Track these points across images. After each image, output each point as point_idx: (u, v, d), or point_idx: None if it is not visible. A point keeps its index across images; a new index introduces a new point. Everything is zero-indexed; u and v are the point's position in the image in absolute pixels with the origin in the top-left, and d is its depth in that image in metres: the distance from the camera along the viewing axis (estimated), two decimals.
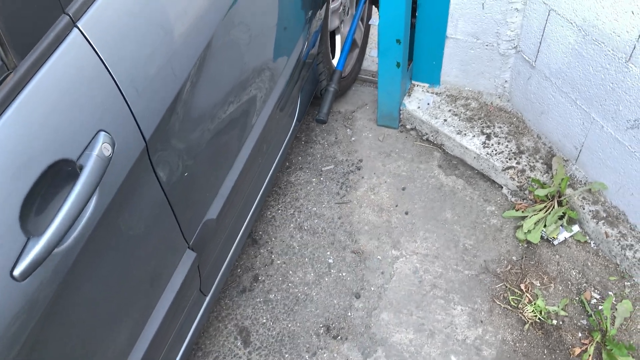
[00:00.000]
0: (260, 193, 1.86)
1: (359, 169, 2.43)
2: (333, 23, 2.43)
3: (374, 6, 2.72)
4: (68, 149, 0.96)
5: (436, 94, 2.53)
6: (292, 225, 2.24)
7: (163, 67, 1.15)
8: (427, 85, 2.56)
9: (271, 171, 1.91)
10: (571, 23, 1.88)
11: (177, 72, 1.19)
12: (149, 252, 1.23)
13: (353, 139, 2.58)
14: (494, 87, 2.43)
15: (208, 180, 1.41)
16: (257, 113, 1.65)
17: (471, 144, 2.31)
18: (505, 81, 2.38)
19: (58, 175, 0.95)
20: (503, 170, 2.22)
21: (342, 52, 2.33)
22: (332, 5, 2.33)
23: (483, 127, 2.37)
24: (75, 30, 1.00)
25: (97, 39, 1.02)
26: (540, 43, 2.08)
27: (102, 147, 1.00)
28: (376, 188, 2.35)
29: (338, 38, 2.55)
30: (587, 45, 1.86)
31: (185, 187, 1.29)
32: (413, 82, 2.58)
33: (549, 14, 1.98)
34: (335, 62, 2.55)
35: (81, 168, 0.97)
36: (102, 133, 1.01)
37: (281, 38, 1.80)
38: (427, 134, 2.49)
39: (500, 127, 2.36)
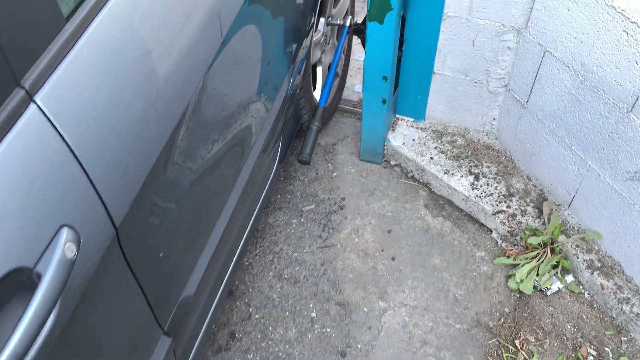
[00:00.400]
0: (240, 248, 1.71)
1: (342, 209, 2.30)
2: (315, 55, 2.29)
3: (355, 36, 2.59)
4: (23, 254, 0.79)
5: (421, 129, 2.42)
6: (271, 273, 2.09)
7: (137, 139, 0.99)
8: (411, 119, 2.45)
9: (251, 223, 1.76)
10: (568, 67, 1.80)
11: (153, 143, 1.03)
12: (120, 347, 1.06)
13: (335, 174, 2.44)
14: (482, 124, 2.34)
15: (185, 255, 1.25)
16: (239, 172, 1.50)
17: (459, 184, 2.21)
18: (494, 119, 2.29)
19: (11, 289, 0.78)
20: (493, 214, 2.13)
21: (324, 87, 2.19)
22: (315, 38, 2.19)
23: (471, 166, 2.27)
24: (32, 106, 0.83)
25: (58, 116, 0.85)
26: (533, 84, 2.00)
27: (65, 247, 0.83)
28: (360, 230, 2.22)
29: (319, 70, 2.41)
30: (585, 91, 1.77)
31: (160, 270, 1.13)
32: (397, 115, 2.47)
33: (544, 55, 1.89)
34: (317, 94, 2.41)
35: (40, 277, 0.80)
36: (65, 229, 0.84)
37: (266, 80, 1.65)
38: (412, 172, 2.37)
39: (488, 167, 2.26)
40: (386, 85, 2.12)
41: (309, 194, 2.35)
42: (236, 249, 1.66)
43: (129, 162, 0.98)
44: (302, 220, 2.25)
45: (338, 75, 2.60)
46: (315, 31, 2.22)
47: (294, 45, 1.85)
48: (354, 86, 2.80)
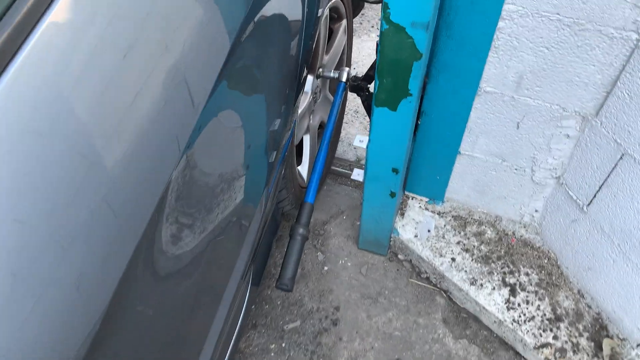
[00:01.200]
0: None
1: (335, 324, 1.77)
2: (301, 125, 1.72)
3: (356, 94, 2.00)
4: None
5: (439, 214, 1.87)
6: None
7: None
8: (426, 199, 1.90)
9: None
10: None
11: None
12: None
13: (326, 268, 1.91)
14: (519, 214, 1.79)
15: None
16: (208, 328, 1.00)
17: (490, 302, 1.68)
18: (536, 210, 1.75)
19: None
20: (535, 348, 1.61)
21: (312, 179, 1.61)
22: (301, 108, 1.62)
23: (505, 272, 1.73)
24: None
25: None
26: (600, 188, 1.45)
27: None
28: (360, 359, 1.70)
29: (306, 138, 1.84)
30: None
31: None
32: (407, 193, 1.92)
33: (621, 158, 1.34)
34: (302, 168, 1.85)
35: None
36: None
37: (245, 194, 1.11)
38: (427, 273, 1.84)
39: (527, 275, 1.73)
40: (397, 178, 1.56)
41: (293, 301, 1.82)
42: None
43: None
44: (284, 345, 1.73)
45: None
46: (302, 94, 1.64)
47: (273, 152, 1.28)
48: (352, 138, 2.24)
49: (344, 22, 1.94)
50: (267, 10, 1.09)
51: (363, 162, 2.07)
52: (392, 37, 1.18)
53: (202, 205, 0.91)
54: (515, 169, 1.63)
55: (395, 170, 1.53)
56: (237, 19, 0.98)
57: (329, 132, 1.68)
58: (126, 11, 0.72)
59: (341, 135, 2.25)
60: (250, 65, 1.04)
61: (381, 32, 1.19)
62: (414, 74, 1.24)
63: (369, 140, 1.47)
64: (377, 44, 1.53)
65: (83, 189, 0.64)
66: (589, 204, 1.51)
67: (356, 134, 2.23)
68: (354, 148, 2.23)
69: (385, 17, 1.14)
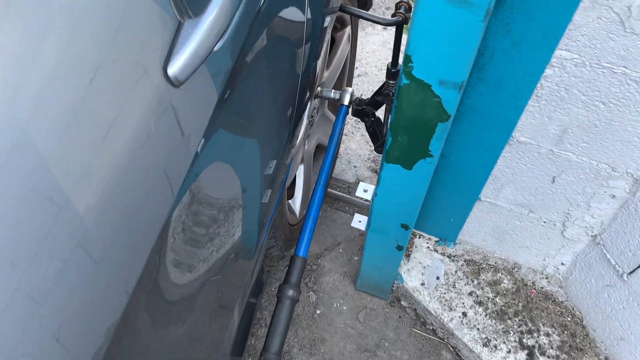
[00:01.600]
0: None
1: None
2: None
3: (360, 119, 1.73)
4: None
5: (450, 257, 1.65)
6: None
7: None
8: (435, 239, 1.67)
9: None
10: None
11: None
12: None
13: (318, 312, 1.69)
14: (541, 265, 1.57)
15: None
16: None
17: None
18: (562, 263, 1.52)
19: None
20: None
21: (304, 227, 1.35)
22: (297, 142, 1.36)
23: (523, 331, 1.52)
24: None
25: None
26: None
27: None
28: None
29: (301, 169, 1.59)
30: None
31: None
32: (414, 230, 1.68)
33: None
34: (294, 202, 1.61)
35: None
36: None
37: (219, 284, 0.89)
38: (433, 325, 1.63)
39: (548, 335, 1.52)
40: (406, 234, 1.32)
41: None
42: None
43: None
44: None
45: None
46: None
47: (263, 221, 1.04)
48: (351, 155, 1.98)
49: (348, 29, 1.66)
50: (261, 44, 0.83)
51: (364, 184, 1.83)
52: (413, 95, 0.92)
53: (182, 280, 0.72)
54: (544, 222, 1.40)
55: (405, 227, 1.29)
56: (234, 49, 0.73)
57: (327, 170, 1.43)
58: (89, 27, 0.49)
59: (340, 150, 2.00)
60: (244, 106, 0.81)
61: (399, 86, 0.92)
62: (437, 135, 0.99)
63: (375, 194, 1.23)
64: (387, 69, 1.27)
65: (52, 236, 0.50)
66: (630, 273, 1.29)
67: (355, 156, 1.97)
68: (354, 167, 1.98)
69: (407, 72, 0.88)
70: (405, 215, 1.26)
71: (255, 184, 0.98)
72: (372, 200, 1.27)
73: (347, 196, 1.89)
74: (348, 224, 1.86)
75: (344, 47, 1.65)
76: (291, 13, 0.95)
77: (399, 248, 1.39)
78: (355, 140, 2.05)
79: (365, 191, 1.32)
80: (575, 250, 1.44)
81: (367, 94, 2.21)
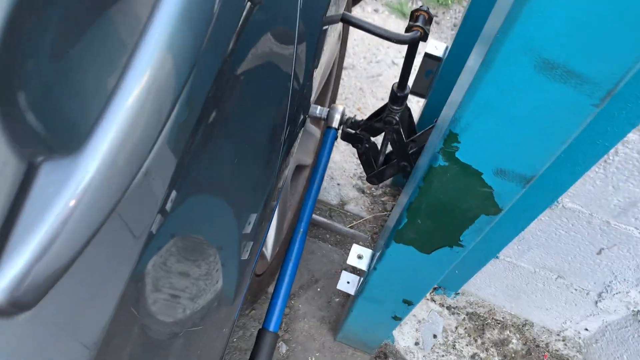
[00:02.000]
0: None
1: None
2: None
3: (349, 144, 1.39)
4: None
5: (450, 309, 1.38)
6: None
7: None
8: (434, 287, 1.40)
9: None
10: None
11: None
12: None
13: None
14: (560, 326, 1.32)
15: None
16: None
17: None
18: (586, 329, 1.27)
19: None
20: None
21: (276, 294, 1.03)
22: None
23: None
24: None
25: None
26: None
27: None
28: None
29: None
30: None
31: None
32: None
33: None
34: (264, 246, 1.30)
35: None
36: None
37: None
38: None
39: None
40: (407, 309, 1.04)
41: None
42: None
43: None
44: None
45: (307, 165, 1.48)
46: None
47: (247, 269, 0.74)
48: (334, 169, 1.68)
49: (339, 25, 1.32)
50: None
51: (348, 207, 1.52)
52: (451, 179, 0.61)
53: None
54: (575, 289, 1.13)
55: (408, 302, 1.01)
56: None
57: (308, 215, 1.13)
58: None
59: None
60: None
61: (431, 164, 0.61)
62: (475, 227, 0.69)
63: (374, 268, 0.93)
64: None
65: None
66: None
67: (338, 176, 1.66)
68: (338, 185, 1.67)
69: (447, 152, 0.57)
70: (410, 293, 0.97)
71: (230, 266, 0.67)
72: (369, 271, 0.98)
73: (329, 222, 1.59)
74: (328, 257, 1.57)
75: (332, 48, 1.32)
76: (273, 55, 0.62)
77: (396, 318, 1.11)
78: (340, 151, 1.74)
79: (359, 258, 1.02)
80: (608, 320, 1.19)
81: (354, 92, 1.88)
